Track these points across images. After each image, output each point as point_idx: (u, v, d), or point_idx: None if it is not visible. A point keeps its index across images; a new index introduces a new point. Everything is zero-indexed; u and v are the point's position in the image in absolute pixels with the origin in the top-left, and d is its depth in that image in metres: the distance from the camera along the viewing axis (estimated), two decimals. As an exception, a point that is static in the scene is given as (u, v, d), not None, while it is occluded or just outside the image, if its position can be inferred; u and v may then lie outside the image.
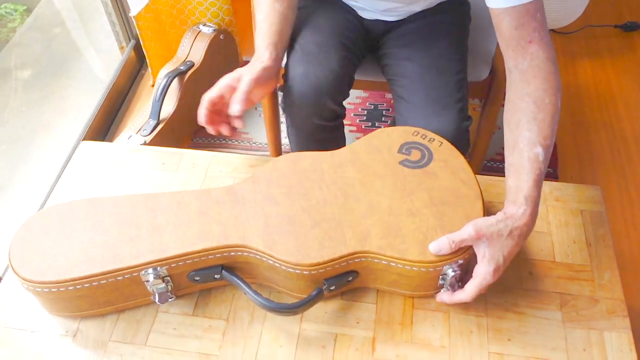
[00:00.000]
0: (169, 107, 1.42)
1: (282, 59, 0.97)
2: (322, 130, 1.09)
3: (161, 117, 1.40)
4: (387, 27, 1.13)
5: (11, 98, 1.77)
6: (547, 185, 0.94)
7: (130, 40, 1.80)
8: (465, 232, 0.71)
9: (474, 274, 0.73)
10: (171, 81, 1.38)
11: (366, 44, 1.16)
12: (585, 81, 1.79)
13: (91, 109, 1.58)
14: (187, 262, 0.74)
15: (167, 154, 1.00)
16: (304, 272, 0.72)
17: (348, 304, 0.79)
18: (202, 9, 1.55)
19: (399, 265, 0.73)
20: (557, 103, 0.77)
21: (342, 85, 1.05)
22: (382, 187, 0.79)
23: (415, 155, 0.83)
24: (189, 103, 1.48)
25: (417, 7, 1.09)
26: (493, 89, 1.26)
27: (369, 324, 0.77)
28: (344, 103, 1.11)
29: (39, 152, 1.61)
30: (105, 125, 1.63)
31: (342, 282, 0.76)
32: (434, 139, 0.85)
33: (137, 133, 1.36)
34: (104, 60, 1.97)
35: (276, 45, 0.93)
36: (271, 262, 0.73)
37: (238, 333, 0.76)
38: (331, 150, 0.85)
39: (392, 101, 1.72)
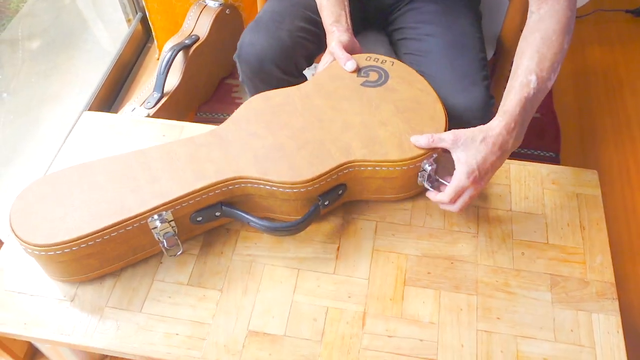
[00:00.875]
0: (173, 80, 1.43)
1: (350, 27, 0.98)
2: None
3: (165, 91, 1.40)
4: (401, 2, 1.12)
5: (19, 68, 1.78)
6: (545, 168, 0.94)
7: (137, 13, 1.79)
8: (445, 134, 0.79)
9: (451, 180, 0.79)
10: (176, 54, 1.39)
11: (367, 20, 1.16)
12: (593, 66, 1.78)
13: (97, 80, 1.58)
14: (190, 202, 0.78)
15: (167, 126, 1.01)
16: (301, 190, 0.78)
17: (341, 279, 0.80)
18: (209, -17, 1.54)
19: (384, 168, 0.81)
20: (563, 43, 0.82)
21: (293, 56, 1.03)
22: (351, 107, 0.87)
23: (373, 76, 0.91)
24: (194, 77, 1.48)
25: None
26: (497, 70, 1.26)
27: (361, 298, 0.79)
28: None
29: (47, 123, 1.62)
30: (111, 97, 1.64)
31: (334, 196, 0.82)
32: (385, 60, 0.93)
33: (141, 105, 1.37)
34: (111, 33, 1.97)
35: (339, 19, 0.96)
36: (268, 187, 0.78)
37: (231, 303, 0.78)
38: None
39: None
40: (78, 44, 1.93)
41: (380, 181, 0.84)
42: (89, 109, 1.52)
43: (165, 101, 1.39)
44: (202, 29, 1.47)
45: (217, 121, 1.59)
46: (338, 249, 0.84)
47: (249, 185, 0.79)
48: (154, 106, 1.37)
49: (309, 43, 1.06)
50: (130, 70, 1.72)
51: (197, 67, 1.47)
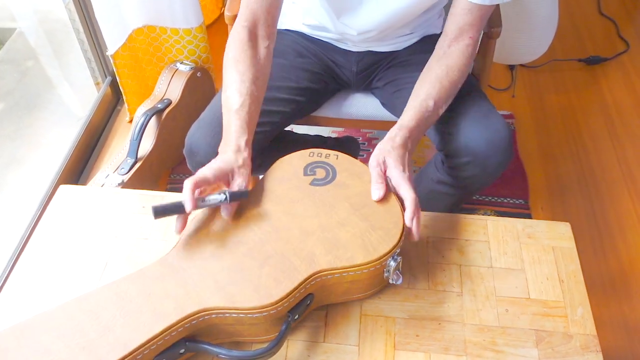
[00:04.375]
0: (146, 145, 1.42)
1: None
2: None
3: (139, 155, 1.39)
4: (379, 58, 1.16)
5: (-17, 132, 1.75)
6: (520, 223, 0.97)
7: (106, 77, 1.80)
8: (373, 170, 0.84)
9: (397, 183, 0.83)
10: (149, 119, 1.39)
11: (340, 82, 1.19)
12: (552, 114, 1.85)
13: (67, 145, 1.57)
14: (152, 347, 0.70)
15: (147, 196, 1.00)
16: (271, 312, 0.74)
17: (331, 347, 0.80)
18: (179, 47, 1.57)
19: (350, 273, 0.78)
20: (459, 83, 0.95)
21: (257, 150, 0.96)
22: (305, 210, 0.83)
23: (320, 173, 0.88)
24: (167, 140, 1.48)
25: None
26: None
27: (352, 366, 0.78)
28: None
29: (12, 188, 1.59)
30: (82, 161, 1.62)
31: (302, 308, 0.78)
32: (329, 154, 0.91)
33: (114, 172, 1.35)
34: (79, 95, 1.97)
35: (247, 144, 0.87)
36: (235, 315, 0.74)
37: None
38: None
39: (367, 135, 1.75)
40: (44, 106, 1.92)
41: (347, 285, 0.80)
42: (60, 176, 1.50)
43: (140, 166, 1.38)
44: (174, 92, 1.48)
45: (191, 182, 1.58)
46: (326, 315, 0.84)
47: (213, 316, 0.73)
48: (127, 172, 1.36)
49: (259, 136, 0.97)
50: (101, 134, 1.71)
51: (169, 130, 1.48)
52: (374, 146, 1.69)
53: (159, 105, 1.44)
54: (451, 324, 0.83)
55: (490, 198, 1.54)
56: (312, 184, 0.87)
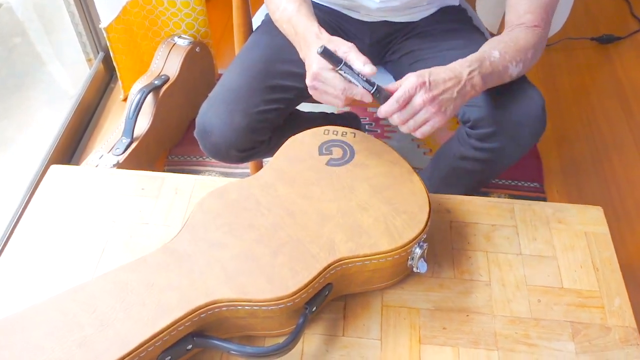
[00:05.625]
0: (143, 124, 1.35)
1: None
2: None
3: (135, 135, 1.32)
4: (395, 29, 1.09)
5: (-31, 111, 1.67)
6: (549, 207, 0.91)
7: (98, 52, 1.70)
8: (402, 85, 0.76)
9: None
10: (146, 96, 1.31)
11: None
12: (564, 94, 1.79)
13: (58, 124, 1.48)
14: (156, 344, 0.63)
15: (146, 178, 0.92)
16: (288, 304, 0.67)
17: (351, 342, 0.74)
18: (176, 20, 1.48)
19: (373, 261, 0.71)
20: (528, 49, 0.87)
21: (253, 136, 0.97)
22: (321, 193, 0.77)
23: (337, 152, 0.82)
24: (165, 119, 1.40)
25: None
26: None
27: (375, 362, 0.72)
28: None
29: (0, 169, 1.51)
30: (74, 141, 1.54)
31: (321, 300, 0.72)
32: (346, 132, 0.84)
33: (109, 152, 1.28)
34: (70, 72, 1.87)
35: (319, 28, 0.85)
36: (248, 307, 0.67)
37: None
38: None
39: (374, 115, 1.68)
40: (33, 84, 1.83)
41: (369, 273, 0.74)
42: (51, 156, 1.42)
43: (136, 146, 1.30)
44: (172, 68, 1.40)
45: (190, 164, 1.50)
46: (344, 307, 0.77)
47: (224, 309, 0.67)
48: (123, 152, 1.28)
49: (273, 114, 0.98)
50: (93, 113, 1.62)
51: (167, 108, 1.40)
52: (381, 127, 1.63)
53: (156, 82, 1.36)
54: (480, 315, 0.77)
55: (503, 181, 1.49)
56: (328, 164, 0.80)
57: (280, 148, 0.83)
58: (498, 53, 0.83)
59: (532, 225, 0.88)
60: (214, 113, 0.96)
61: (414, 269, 0.77)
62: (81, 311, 0.65)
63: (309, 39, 0.82)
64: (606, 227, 0.88)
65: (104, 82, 1.71)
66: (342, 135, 0.84)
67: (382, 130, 1.62)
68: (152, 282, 0.68)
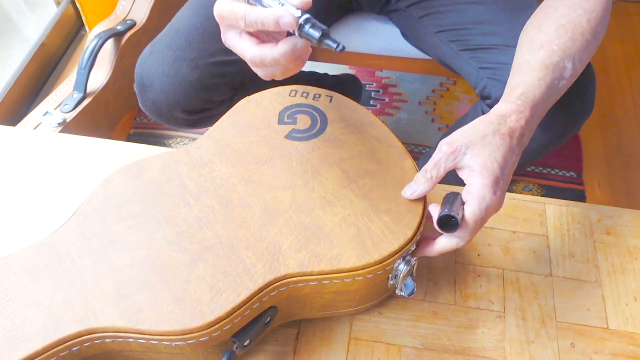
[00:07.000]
0: (100, 77, 1.14)
1: None
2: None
3: (89, 90, 1.11)
4: None
5: None
6: (594, 211, 0.67)
7: (67, -9, 1.50)
8: (437, 154, 0.51)
9: (467, 199, 0.50)
10: (103, 43, 1.09)
11: (346, 5, 0.89)
12: (616, 66, 1.55)
13: (9, 73, 1.28)
14: None
15: (105, 146, 0.73)
16: (200, 340, 0.47)
17: None
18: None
19: (335, 281, 0.51)
20: (594, 39, 0.60)
21: (205, 94, 0.76)
22: (273, 177, 0.56)
23: (303, 121, 0.60)
24: (129, 73, 1.18)
25: None
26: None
27: None
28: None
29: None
30: (30, 94, 1.34)
31: (258, 330, 0.51)
32: (319, 95, 0.63)
33: (55, 108, 1.07)
34: (38, 17, 1.67)
35: None
36: (143, 341, 0.47)
37: None
38: None
39: (383, 81, 1.43)
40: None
41: (330, 296, 0.53)
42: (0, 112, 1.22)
43: (89, 103, 1.10)
44: (140, 12, 1.18)
45: (162, 129, 1.29)
46: (297, 337, 0.56)
47: (107, 341, 0.47)
48: (72, 109, 1.08)
49: (234, 68, 0.76)
50: (57, 63, 1.42)
51: (132, 60, 1.17)
52: (390, 95, 1.38)
53: (119, 27, 1.14)
54: (486, 362, 0.55)
55: (533, 168, 1.26)
56: (288, 136, 0.59)
57: (229, 111, 0.62)
58: (572, 65, 0.57)
59: (570, 235, 0.65)
60: (155, 61, 0.74)
61: (397, 291, 0.55)
62: None
63: None
64: (674, 244, 0.64)
65: (74, 28, 1.50)
66: (313, 98, 0.62)
67: (391, 99, 1.38)
68: (8, 297, 0.48)
